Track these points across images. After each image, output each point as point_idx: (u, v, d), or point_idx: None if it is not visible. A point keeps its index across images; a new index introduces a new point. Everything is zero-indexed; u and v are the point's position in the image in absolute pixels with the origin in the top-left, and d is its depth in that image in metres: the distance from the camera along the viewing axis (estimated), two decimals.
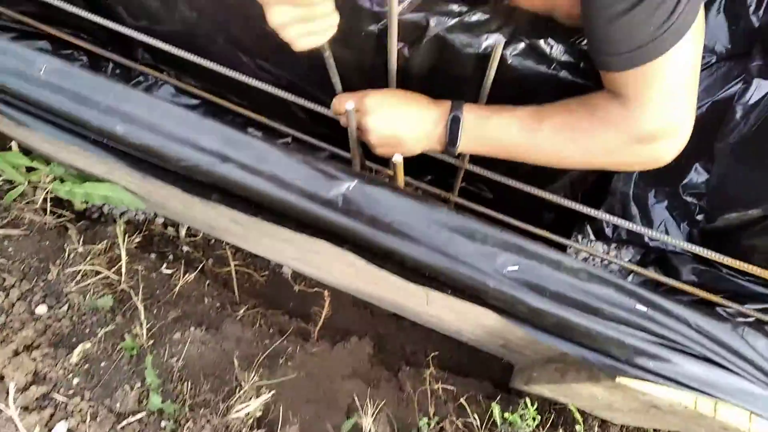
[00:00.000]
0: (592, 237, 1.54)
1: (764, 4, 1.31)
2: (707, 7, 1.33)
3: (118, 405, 1.17)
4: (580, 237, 1.56)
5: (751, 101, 1.29)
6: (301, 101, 1.30)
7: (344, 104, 0.93)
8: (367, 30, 1.09)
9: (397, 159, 0.91)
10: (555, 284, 0.75)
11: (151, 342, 1.33)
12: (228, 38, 1.34)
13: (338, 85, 1.05)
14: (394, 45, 1.08)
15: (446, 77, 1.16)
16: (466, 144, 0.96)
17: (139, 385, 1.22)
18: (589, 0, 0.80)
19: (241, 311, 1.50)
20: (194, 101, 1.91)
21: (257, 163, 0.81)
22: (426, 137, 0.97)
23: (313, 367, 1.44)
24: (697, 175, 1.41)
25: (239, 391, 1.30)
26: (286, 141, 1.90)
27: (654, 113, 0.84)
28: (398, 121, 0.95)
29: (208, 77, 1.37)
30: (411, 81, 1.20)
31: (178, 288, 1.50)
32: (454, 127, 0.93)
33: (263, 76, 1.38)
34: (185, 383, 1.27)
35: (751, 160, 1.21)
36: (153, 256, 1.62)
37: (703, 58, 1.58)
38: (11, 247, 1.36)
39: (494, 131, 0.95)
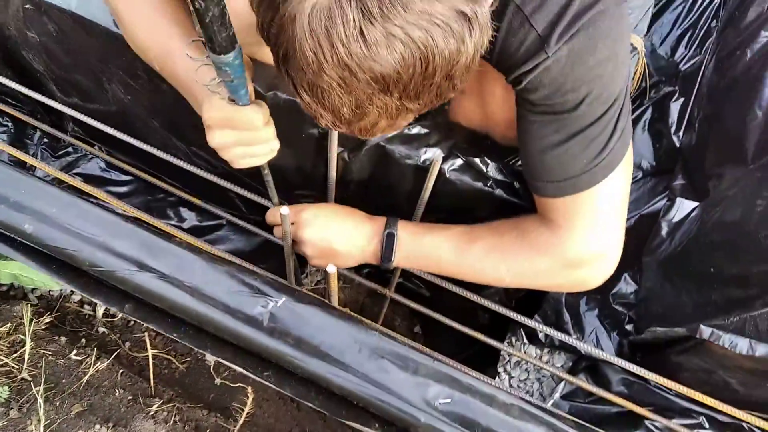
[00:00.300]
0: (525, 341, 1.54)
1: (683, 125, 1.40)
2: (633, 124, 1.41)
3: None
4: (513, 339, 1.56)
5: (675, 219, 1.35)
6: (236, 189, 1.28)
7: (278, 214, 0.94)
8: (308, 132, 1.10)
9: (331, 270, 0.89)
10: (487, 420, 0.72)
11: None
12: (163, 123, 1.31)
13: (275, 199, 1.03)
14: (334, 150, 1.09)
15: (385, 186, 1.16)
16: (400, 260, 0.99)
17: None
18: (525, 128, 0.82)
19: (155, 406, 1.39)
20: (126, 177, 1.85)
21: (177, 272, 0.76)
22: (361, 252, 0.99)
23: None
24: (626, 285, 1.44)
25: None
26: (220, 222, 1.86)
27: (582, 240, 0.86)
28: (333, 234, 0.97)
29: (141, 156, 1.33)
30: (350, 186, 1.20)
31: (86, 377, 1.38)
32: (388, 244, 0.95)
33: (197, 161, 1.35)
34: None
35: (676, 279, 1.25)
36: (63, 339, 1.49)
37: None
38: None
39: (427, 249, 0.97)
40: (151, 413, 1.37)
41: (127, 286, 0.75)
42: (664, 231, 1.36)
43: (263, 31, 0.56)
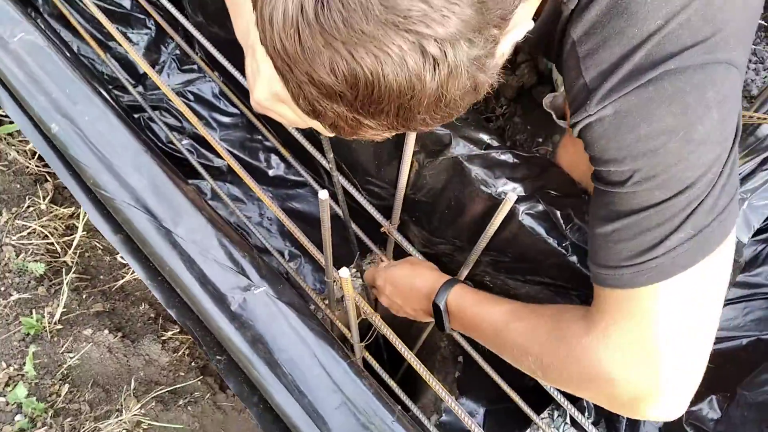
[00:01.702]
0: (568, 421, 1.37)
1: None
2: None
3: None
4: (556, 414, 1.39)
5: None
6: (317, 156, 1.23)
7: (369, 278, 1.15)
8: None
9: (344, 274, 0.79)
10: None
11: (59, 328, 1.24)
12: None
13: (332, 162, 0.96)
14: (409, 150, 0.99)
15: (454, 203, 1.05)
16: (455, 327, 0.96)
17: (16, 366, 1.13)
18: (592, 200, 0.69)
19: (170, 333, 1.39)
20: (233, 109, 1.88)
21: (171, 221, 0.70)
22: (426, 316, 1.03)
23: (210, 424, 1.31)
24: (710, 410, 1.22)
25: (116, 417, 1.18)
26: (305, 181, 1.83)
27: (615, 351, 0.66)
28: (403, 302, 1.05)
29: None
30: (420, 192, 1.10)
31: (121, 282, 1.41)
32: (437, 314, 0.95)
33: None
34: (66, 385, 1.17)
35: None
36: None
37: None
38: None
39: (473, 323, 0.90)
40: (163, 338, 1.37)
41: (119, 216, 0.71)
42: None
43: None
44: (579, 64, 0.60)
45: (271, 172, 1.89)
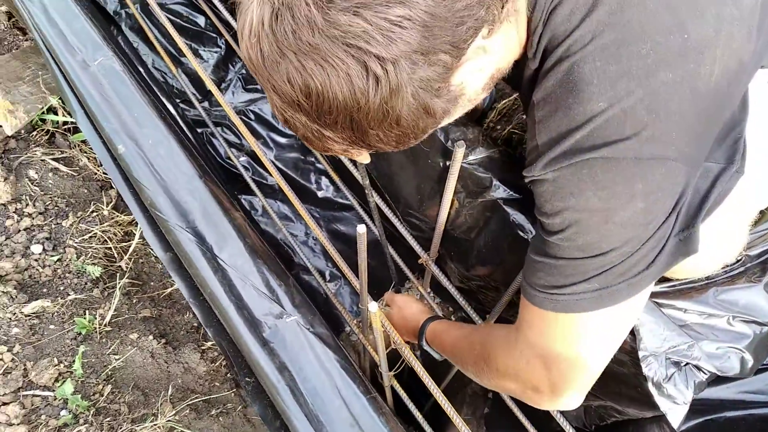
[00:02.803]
0: None
1: None
2: None
3: (34, 373, 1.15)
4: None
5: None
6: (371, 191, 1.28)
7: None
8: (434, 160, 1.04)
9: (372, 308, 0.83)
10: None
11: (108, 330, 1.31)
12: None
13: (368, 188, 1.02)
14: (451, 187, 1.02)
15: (489, 242, 1.06)
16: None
17: (66, 364, 1.21)
18: (536, 230, 0.74)
19: (209, 343, 1.45)
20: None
21: (216, 245, 0.75)
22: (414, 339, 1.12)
23: None
24: None
25: (151, 421, 1.24)
26: (352, 204, 1.87)
27: (518, 349, 0.77)
28: (401, 326, 1.13)
29: None
30: (459, 229, 1.12)
31: (170, 289, 1.48)
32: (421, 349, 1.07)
33: None
34: (109, 385, 1.24)
35: None
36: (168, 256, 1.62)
37: None
38: (53, 180, 1.42)
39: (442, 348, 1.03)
40: (203, 348, 1.43)
41: (170, 237, 0.76)
42: None
43: None
44: (535, 126, 0.63)
45: (320, 194, 1.94)
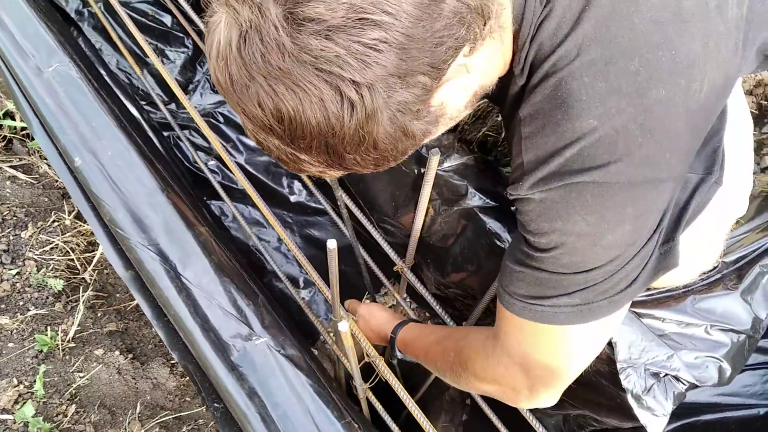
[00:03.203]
0: None
1: None
2: None
3: None
4: None
5: None
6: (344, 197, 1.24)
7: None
8: (409, 167, 1.01)
9: (343, 328, 0.80)
10: None
11: (71, 346, 1.26)
12: None
13: (341, 200, 0.99)
14: (426, 194, 0.99)
15: (465, 250, 1.04)
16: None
17: (26, 384, 1.15)
18: (514, 237, 0.73)
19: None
20: None
21: (180, 263, 0.71)
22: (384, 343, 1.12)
23: None
24: None
25: None
26: (325, 209, 1.84)
27: (499, 362, 0.77)
28: (372, 337, 1.14)
29: None
30: (433, 237, 1.10)
31: (136, 302, 1.43)
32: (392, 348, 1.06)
33: None
34: (73, 405, 1.18)
35: None
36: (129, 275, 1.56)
37: None
38: (10, 189, 1.35)
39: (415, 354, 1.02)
40: (172, 362, 1.38)
41: (131, 255, 0.72)
42: None
43: None
44: (521, 143, 0.61)
45: (292, 198, 1.90)
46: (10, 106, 1.50)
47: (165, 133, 1.95)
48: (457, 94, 0.56)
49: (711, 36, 0.55)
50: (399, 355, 1.07)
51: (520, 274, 0.67)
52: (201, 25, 1.35)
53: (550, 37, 0.57)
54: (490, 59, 0.58)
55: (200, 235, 0.76)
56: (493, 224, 0.96)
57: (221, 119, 1.98)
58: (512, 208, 0.69)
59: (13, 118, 1.53)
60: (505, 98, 0.67)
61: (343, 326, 0.76)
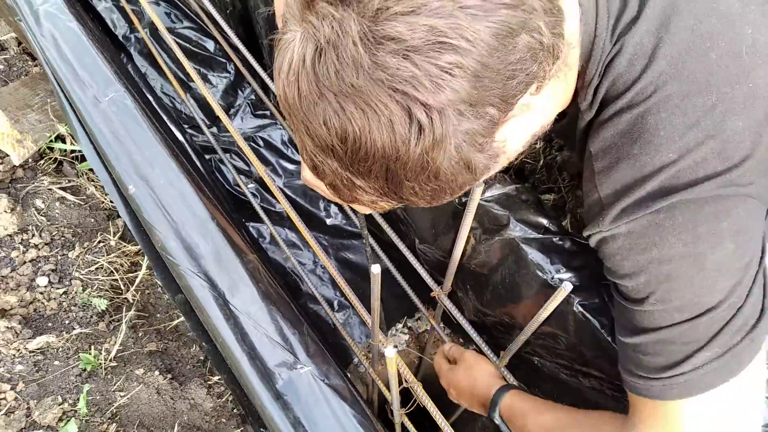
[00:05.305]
0: None
1: None
2: None
3: (38, 413, 1.12)
4: None
5: None
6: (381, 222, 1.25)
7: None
8: None
9: (390, 354, 0.80)
10: None
11: (113, 365, 1.28)
12: None
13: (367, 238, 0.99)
14: (468, 223, 0.99)
15: (506, 280, 1.03)
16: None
17: (71, 401, 1.18)
18: (616, 307, 0.69)
19: (216, 378, 1.42)
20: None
21: (228, 291, 0.72)
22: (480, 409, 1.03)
23: None
24: None
25: None
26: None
27: None
28: (465, 390, 1.05)
29: None
30: (472, 267, 1.10)
31: (177, 321, 1.46)
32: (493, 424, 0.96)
33: None
34: (114, 424, 1.21)
35: None
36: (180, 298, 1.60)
37: None
38: (59, 210, 1.40)
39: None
40: (209, 383, 1.40)
41: (181, 282, 0.73)
42: None
43: None
44: (594, 178, 0.60)
45: (329, 221, 1.92)
46: (62, 129, 1.56)
47: (207, 157, 2.00)
48: (519, 132, 0.56)
49: None
50: (497, 420, 0.96)
51: (638, 345, 0.63)
52: (244, 52, 1.39)
53: (622, 74, 0.57)
54: (553, 98, 0.59)
55: (249, 262, 0.77)
56: (534, 255, 0.95)
57: (261, 143, 2.02)
58: (596, 252, 0.65)
59: (64, 141, 1.58)
60: (571, 132, 0.67)
61: (390, 352, 0.76)
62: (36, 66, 1.92)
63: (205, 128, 1.91)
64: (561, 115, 0.66)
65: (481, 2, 0.44)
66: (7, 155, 1.46)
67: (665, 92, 0.55)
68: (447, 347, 1.19)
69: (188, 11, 2.08)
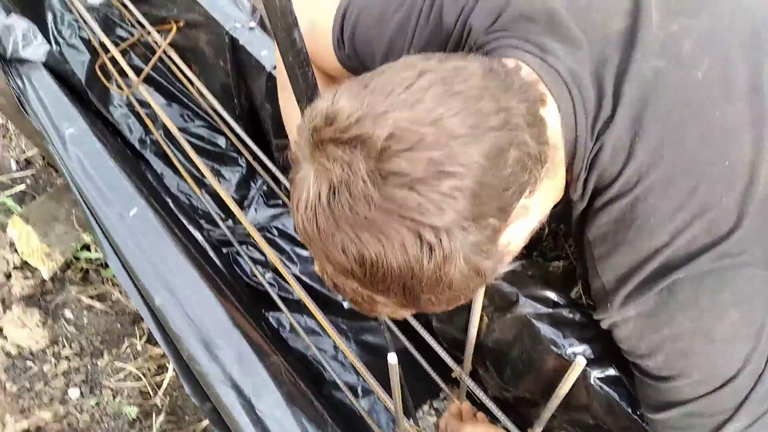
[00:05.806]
0: None
1: None
2: None
3: None
4: None
5: None
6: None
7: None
8: None
9: (392, 360, 0.81)
10: None
11: None
12: None
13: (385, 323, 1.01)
14: (479, 303, 1.02)
15: (523, 362, 1.05)
16: None
17: None
18: (637, 384, 0.70)
19: None
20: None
21: (254, 396, 0.75)
22: None
23: None
24: None
25: None
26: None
27: None
28: None
29: None
30: (488, 345, 1.12)
31: (204, 424, 1.47)
32: None
33: None
34: None
35: None
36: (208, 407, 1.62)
37: None
38: (87, 318, 1.45)
39: None
40: None
41: (209, 391, 0.77)
42: None
43: None
44: (595, 264, 0.64)
45: (346, 304, 1.95)
46: (87, 239, 1.63)
47: (224, 250, 2.06)
48: (520, 233, 0.60)
49: (762, 139, 0.59)
50: None
51: (672, 420, 0.65)
52: (254, 148, 1.47)
53: (607, 166, 0.62)
54: (546, 196, 0.64)
55: (271, 365, 0.81)
56: (546, 330, 0.97)
57: (275, 232, 2.08)
58: (613, 339, 0.69)
59: (89, 250, 1.66)
60: (567, 216, 0.71)
61: None
62: (60, 177, 2.03)
63: (220, 222, 1.98)
64: (555, 204, 0.71)
65: (471, 129, 0.49)
66: (38, 270, 1.53)
67: (649, 180, 0.60)
68: (465, 405, 1.21)
69: (199, 111, 2.20)
